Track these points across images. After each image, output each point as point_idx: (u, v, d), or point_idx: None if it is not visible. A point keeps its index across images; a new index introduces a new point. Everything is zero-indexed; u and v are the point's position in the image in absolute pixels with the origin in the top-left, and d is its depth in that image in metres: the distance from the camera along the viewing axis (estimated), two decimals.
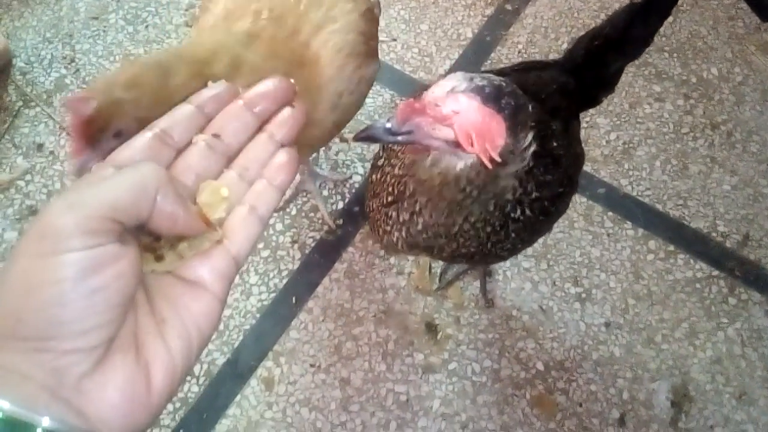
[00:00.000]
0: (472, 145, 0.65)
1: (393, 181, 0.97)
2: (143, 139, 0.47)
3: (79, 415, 0.39)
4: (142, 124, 0.49)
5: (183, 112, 0.49)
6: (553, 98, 1.06)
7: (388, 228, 1.01)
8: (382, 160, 1.02)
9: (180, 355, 0.44)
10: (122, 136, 0.82)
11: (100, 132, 0.79)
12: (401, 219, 0.98)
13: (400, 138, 0.68)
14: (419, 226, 0.96)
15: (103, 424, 0.40)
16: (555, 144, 1.00)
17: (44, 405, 0.38)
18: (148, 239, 0.46)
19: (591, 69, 1.12)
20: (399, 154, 0.96)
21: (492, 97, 0.66)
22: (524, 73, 1.12)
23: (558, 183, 1.00)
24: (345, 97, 1.08)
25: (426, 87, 0.71)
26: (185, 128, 0.49)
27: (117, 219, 0.40)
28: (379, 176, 1.02)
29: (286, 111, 0.52)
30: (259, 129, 0.52)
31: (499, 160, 0.67)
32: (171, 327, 0.44)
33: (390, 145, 1.00)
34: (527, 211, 0.94)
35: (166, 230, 0.44)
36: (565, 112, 1.09)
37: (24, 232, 0.41)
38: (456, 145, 0.68)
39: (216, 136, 0.49)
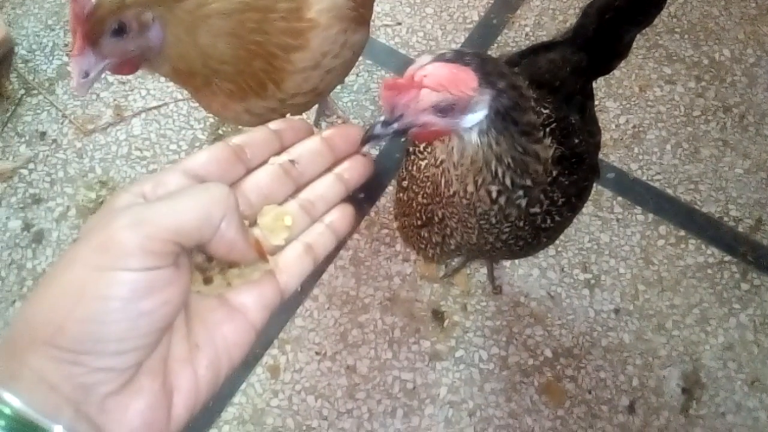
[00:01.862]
0: (449, 92, 0.65)
1: (419, 207, 0.98)
2: (218, 148, 0.47)
3: None
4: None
5: (261, 133, 0.50)
6: (568, 83, 1.04)
7: (423, 245, 1.04)
8: (406, 182, 1.02)
9: (205, 386, 0.43)
10: (123, 34, 0.86)
11: (101, 24, 0.80)
12: (434, 240, 1.00)
13: (396, 126, 0.68)
14: (452, 246, 0.99)
15: None
16: (576, 141, 0.98)
17: (67, 418, 0.37)
18: (200, 259, 0.45)
19: (604, 42, 1.08)
20: (419, 181, 0.96)
21: (454, 59, 0.67)
22: (534, 58, 1.10)
23: (583, 178, 1.00)
24: (328, 58, 1.09)
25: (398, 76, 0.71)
26: (260, 149, 0.49)
27: (178, 241, 0.40)
28: (405, 198, 1.02)
29: (359, 157, 0.53)
30: (328, 169, 0.52)
31: (474, 95, 0.66)
32: (203, 354, 0.43)
33: (409, 168, 1.00)
34: (557, 217, 0.95)
35: (220, 255, 0.44)
36: (580, 96, 1.07)
37: (84, 237, 0.39)
38: (445, 110, 0.67)
39: (293, 162, 0.49)
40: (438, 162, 0.84)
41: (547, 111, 0.95)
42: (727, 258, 1.50)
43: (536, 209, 0.89)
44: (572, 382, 1.38)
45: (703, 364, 1.40)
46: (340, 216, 0.51)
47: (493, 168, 0.76)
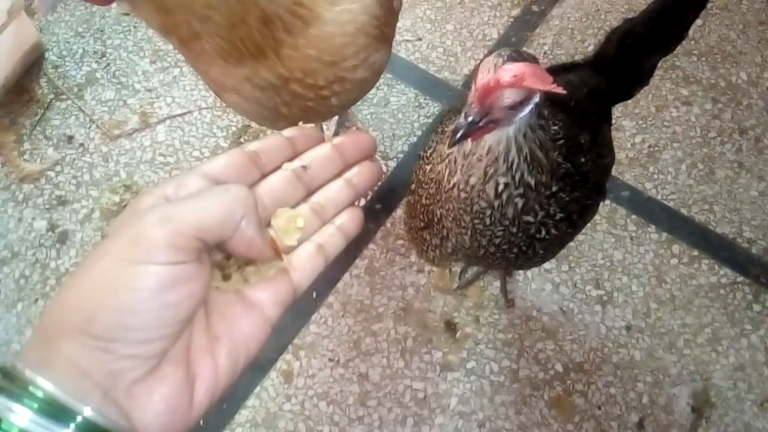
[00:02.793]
0: (532, 88, 0.70)
1: (422, 209, 1.01)
2: (235, 154, 0.50)
3: (124, 418, 0.41)
4: None
5: (275, 140, 0.52)
6: (582, 104, 1.06)
7: (425, 248, 1.07)
8: (414, 185, 1.05)
9: (225, 375, 0.46)
10: None
11: None
12: (434, 242, 1.04)
13: (482, 123, 0.72)
14: (449, 249, 1.02)
15: (144, 429, 0.42)
16: (583, 160, 1.00)
17: (96, 402, 0.40)
18: (219, 257, 0.48)
19: (624, 67, 1.10)
20: (424, 184, 0.99)
21: (518, 58, 0.71)
22: (553, 77, 1.12)
23: (586, 197, 1.01)
24: (348, 70, 1.08)
25: (465, 82, 0.75)
26: (274, 155, 0.52)
27: (202, 238, 0.42)
28: (412, 201, 1.06)
29: (368, 162, 0.55)
30: (339, 174, 0.54)
31: (563, 92, 0.70)
32: (222, 346, 0.46)
33: (417, 173, 1.04)
34: (553, 231, 0.96)
35: (239, 252, 0.46)
36: (594, 117, 1.09)
37: (114, 233, 0.42)
38: (520, 104, 0.72)
39: (304, 167, 0.52)
40: (444, 156, 0.87)
41: (555, 128, 0.97)
42: (740, 279, 1.51)
43: (530, 218, 0.91)
44: (582, 397, 1.39)
45: (713, 384, 1.40)
46: (350, 218, 0.54)
47: (510, 158, 0.80)
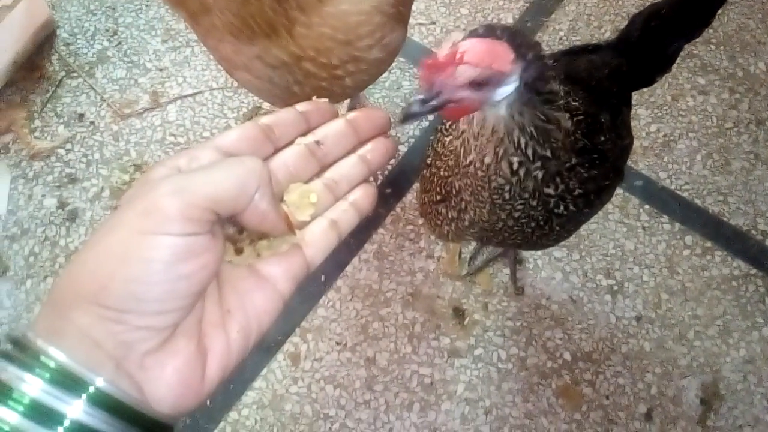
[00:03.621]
0: (487, 67, 0.66)
1: (440, 181, 0.99)
2: (248, 127, 0.49)
3: (137, 390, 0.41)
4: None
5: (288, 114, 0.51)
6: (603, 84, 1.04)
7: (439, 222, 1.05)
8: (430, 158, 1.04)
9: (237, 349, 0.45)
10: None
11: None
12: (450, 216, 1.01)
13: (434, 102, 0.69)
14: (466, 222, 0.99)
15: (156, 402, 0.41)
16: (603, 138, 0.99)
17: (108, 373, 0.39)
18: (231, 230, 0.47)
19: (647, 50, 1.08)
20: (443, 156, 0.98)
21: (486, 33, 0.68)
22: (574, 57, 1.11)
23: (603, 176, 0.99)
24: (359, 44, 1.06)
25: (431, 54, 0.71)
26: (287, 129, 0.51)
27: (216, 210, 0.42)
28: (428, 174, 1.04)
29: (382, 138, 0.54)
30: (353, 150, 0.54)
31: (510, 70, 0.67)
32: (234, 319, 0.46)
33: (434, 146, 1.02)
34: (571, 206, 0.94)
35: (252, 226, 0.46)
36: (615, 99, 1.07)
37: (126, 204, 0.41)
38: (480, 85, 0.68)
39: (318, 143, 0.51)
40: (460, 132, 0.85)
41: (576, 103, 0.95)
42: (753, 271, 1.49)
43: (550, 190, 0.88)
44: (590, 387, 1.38)
45: (723, 376, 1.39)
46: (363, 195, 0.53)
47: (515, 138, 0.77)
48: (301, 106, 0.52)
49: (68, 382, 0.38)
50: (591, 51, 1.10)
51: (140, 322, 0.40)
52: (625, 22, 1.14)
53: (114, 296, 0.39)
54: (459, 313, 1.46)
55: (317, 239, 0.50)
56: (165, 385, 0.41)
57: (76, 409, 0.38)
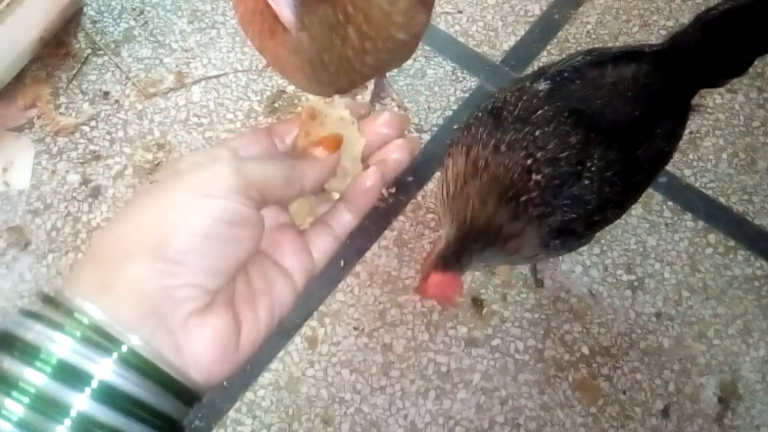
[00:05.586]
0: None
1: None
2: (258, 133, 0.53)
3: (174, 348, 0.41)
4: None
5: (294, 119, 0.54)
6: (618, 111, 0.97)
7: None
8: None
9: (264, 327, 0.47)
10: None
11: None
12: None
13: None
14: None
15: (194, 364, 0.41)
16: (563, 218, 0.96)
17: (149, 328, 0.39)
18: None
19: (707, 57, 0.99)
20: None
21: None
22: (600, 69, 1.00)
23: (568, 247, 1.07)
24: (396, 26, 1.04)
25: None
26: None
27: (264, 194, 0.45)
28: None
29: (399, 140, 0.55)
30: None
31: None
32: (262, 299, 0.47)
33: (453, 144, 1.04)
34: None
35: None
36: (639, 129, 1.00)
37: (187, 171, 0.44)
38: None
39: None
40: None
41: (596, 155, 0.95)
42: None
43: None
44: (607, 381, 1.38)
45: (741, 375, 1.38)
46: (366, 189, 0.55)
47: None
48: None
49: (100, 340, 0.38)
50: (626, 59, 0.99)
51: (191, 279, 0.41)
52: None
53: (173, 247, 0.40)
54: (477, 303, 1.45)
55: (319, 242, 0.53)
56: (204, 345, 0.42)
57: (105, 368, 0.37)
